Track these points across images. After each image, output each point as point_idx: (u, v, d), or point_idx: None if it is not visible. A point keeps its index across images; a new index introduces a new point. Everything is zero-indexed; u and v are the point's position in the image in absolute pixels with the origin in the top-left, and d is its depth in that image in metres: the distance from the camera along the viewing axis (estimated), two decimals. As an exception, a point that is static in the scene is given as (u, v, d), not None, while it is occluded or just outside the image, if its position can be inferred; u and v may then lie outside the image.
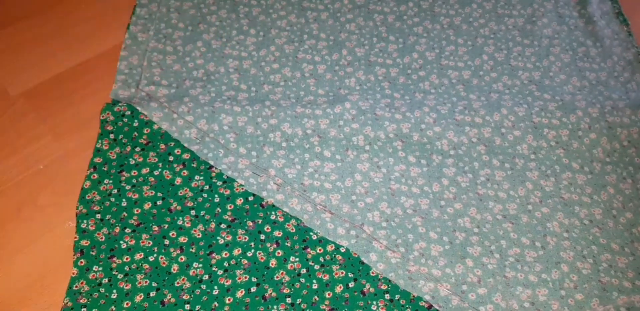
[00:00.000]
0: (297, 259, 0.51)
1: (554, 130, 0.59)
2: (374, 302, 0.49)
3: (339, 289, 0.50)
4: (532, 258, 0.51)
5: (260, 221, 0.54)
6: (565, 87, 0.64)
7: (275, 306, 0.49)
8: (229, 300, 0.49)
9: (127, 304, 0.48)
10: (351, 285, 0.50)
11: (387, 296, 0.49)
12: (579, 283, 0.50)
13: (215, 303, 0.49)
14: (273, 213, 0.54)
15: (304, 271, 0.51)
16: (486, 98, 0.62)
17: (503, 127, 0.59)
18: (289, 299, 0.49)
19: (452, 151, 0.58)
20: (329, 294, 0.49)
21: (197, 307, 0.48)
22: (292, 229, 0.53)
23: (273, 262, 0.51)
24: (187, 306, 0.48)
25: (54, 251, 0.52)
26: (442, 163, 0.58)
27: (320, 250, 0.52)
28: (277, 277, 0.50)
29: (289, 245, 0.52)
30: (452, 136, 0.59)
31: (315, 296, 0.49)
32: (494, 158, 0.58)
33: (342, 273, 0.51)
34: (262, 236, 0.53)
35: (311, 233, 0.53)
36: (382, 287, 0.50)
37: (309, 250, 0.52)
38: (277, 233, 0.53)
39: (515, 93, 0.63)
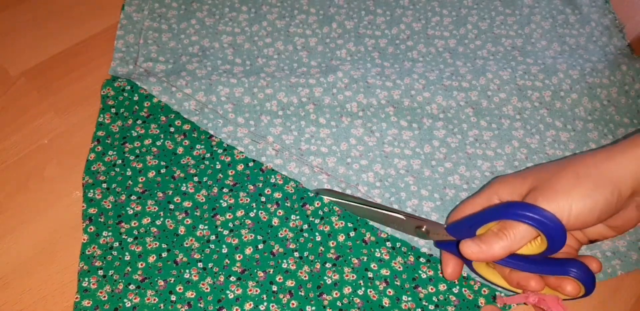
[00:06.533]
0: (297, 217, 0.54)
1: (537, 91, 0.62)
2: (377, 250, 0.52)
3: (341, 238, 0.52)
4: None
5: (260, 185, 0.56)
6: (547, 52, 0.67)
7: (284, 260, 0.51)
8: (239, 256, 0.51)
9: (141, 265, 0.50)
10: (352, 234, 0.52)
11: (388, 244, 0.52)
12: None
13: (227, 260, 0.51)
14: (272, 176, 0.56)
15: (305, 226, 0.53)
16: (472, 64, 0.65)
17: (489, 90, 0.62)
18: (297, 253, 0.51)
19: (442, 114, 0.61)
20: (332, 243, 0.52)
21: (210, 265, 0.51)
22: (291, 190, 0.55)
23: (275, 221, 0.54)
24: (200, 265, 0.51)
25: (63, 219, 0.54)
26: (433, 126, 0.60)
27: (318, 203, 0.54)
28: (281, 234, 0.53)
29: (288, 205, 0.54)
30: (441, 100, 0.61)
31: (321, 247, 0.52)
32: (481, 119, 0.61)
33: (341, 223, 0.53)
34: (263, 198, 0.55)
35: (309, 193, 0.55)
36: (382, 235, 0.53)
37: (307, 206, 0.54)
38: (277, 195, 0.55)
39: (499, 58, 0.66)
